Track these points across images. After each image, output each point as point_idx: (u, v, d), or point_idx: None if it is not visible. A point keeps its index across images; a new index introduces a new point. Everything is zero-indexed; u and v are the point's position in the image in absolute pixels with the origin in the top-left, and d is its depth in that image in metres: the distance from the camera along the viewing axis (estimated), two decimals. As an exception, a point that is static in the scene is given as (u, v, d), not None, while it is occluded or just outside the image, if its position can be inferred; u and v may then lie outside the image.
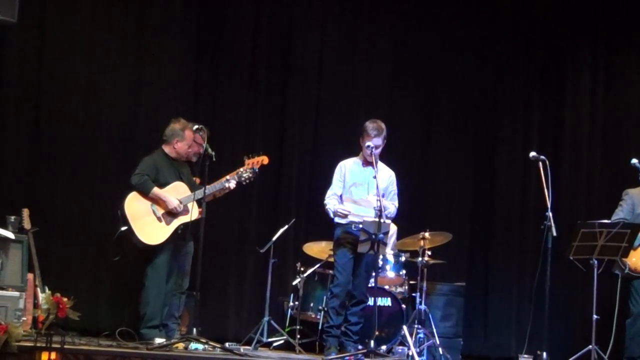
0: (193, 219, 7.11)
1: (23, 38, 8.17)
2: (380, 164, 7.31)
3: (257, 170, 7.56)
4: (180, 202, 7.23)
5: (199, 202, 7.09)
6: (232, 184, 7.45)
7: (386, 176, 7.37)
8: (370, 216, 7.02)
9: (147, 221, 7.18)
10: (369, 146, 7.16)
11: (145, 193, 7.20)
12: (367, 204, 7.13)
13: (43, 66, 8.33)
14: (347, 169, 7.38)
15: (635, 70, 9.56)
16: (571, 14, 9.65)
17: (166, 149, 7.47)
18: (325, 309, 7.68)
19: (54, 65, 8.36)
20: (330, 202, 7.31)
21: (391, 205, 7.29)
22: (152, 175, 7.25)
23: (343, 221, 7.22)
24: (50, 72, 8.35)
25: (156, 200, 7.23)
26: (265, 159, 7.60)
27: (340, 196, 7.34)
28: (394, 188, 7.43)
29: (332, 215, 7.29)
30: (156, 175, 7.28)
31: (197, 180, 7.54)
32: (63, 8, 8.42)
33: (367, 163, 7.31)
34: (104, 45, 8.54)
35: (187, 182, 7.39)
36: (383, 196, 7.16)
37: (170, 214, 7.25)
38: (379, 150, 7.22)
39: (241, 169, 7.49)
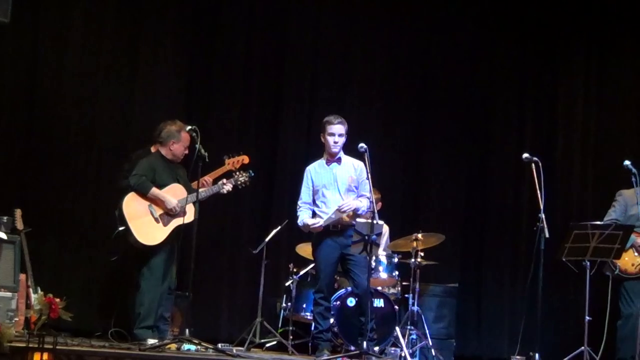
0: (190, 220, 7.11)
1: (16, 38, 8.15)
2: (347, 158, 7.14)
3: (253, 174, 7.59)
4: (178, 203, 7.24)
5: (194, 204, 7.09)
6: (229, 188, 7.47)
7: (353, 167, 7.11)
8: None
9: (144, 222, 7.18)
10: (332, 133, 6.99)
11: (143, 193, 7.20)
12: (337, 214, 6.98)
13: (36, 66, 8.32)
14: (313, 173, 7.18)
15: (627, 72, 9.59)
16: (564, 17, 9.67)
17: (162, 150, 7.46)
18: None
19: (47, 65, 8.36)
20: (301, 216, 7.12)
21: (364, 200, 7.04)
22: (149, 176, 7.25)
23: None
24: (43, 72, 8.35)
25: (155, 201, 7.23)
26: (245, 159, 7.65)
27: (314, 201, 7.16)
28: (364, 177, 7.07)
29: (304, 230, 7.13)
30: (153, 177, 7.27)
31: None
32: (56, 8, 8.42)
33: (330, 160, 7.14)
34: (97, 45, 8.54)
35: (184, 184, 7.39)
36: (356, 188, 7.08)
37: (168, 215, 7.24)
38: (342, 140, 7.03)
39: (237, 173, 7.54)
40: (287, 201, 9.01)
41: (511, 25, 9.73)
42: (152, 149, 7.52)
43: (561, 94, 9.71)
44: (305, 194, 7.19)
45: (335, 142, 7.03)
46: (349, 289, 7.63)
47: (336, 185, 7.11)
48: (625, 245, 7.11)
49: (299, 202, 7.21)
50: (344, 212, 6.96)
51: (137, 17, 8.72)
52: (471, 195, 9.57)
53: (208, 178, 7.54)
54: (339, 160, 7.14)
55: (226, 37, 9.08)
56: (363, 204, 7.04)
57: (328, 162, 7.16)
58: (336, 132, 7.03)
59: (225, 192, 7.49)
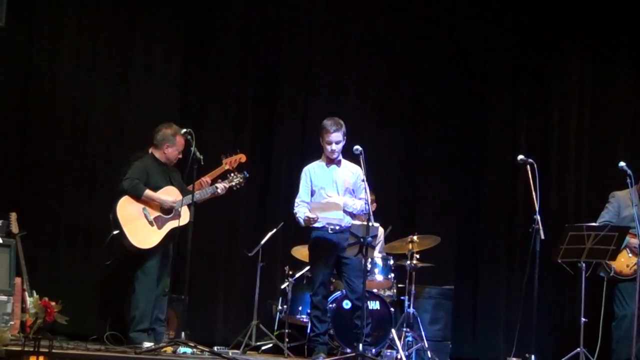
0: (185, 223, 7.10)
1: (11, 41, 8.14)
2: (345, 162, 7.20)
3: (247, 175, 7.59)
4: (174, 200, 7.23)
5: (189, 207, 7.07)
6: (223, 190, 7.46)
7: (351, 171, 7.18)
8: (337, 217, 7.00)
9: (139, 225, 7.18)
10: (329, 142, 7.05)
11: (137, 196, 7.20)
12: (334, 207, 7.04)
13: (31, 69, 8.32)
14: (312, 173, 7.23)
15: (621, 74, 9.60)
16: (559, 19, 9.67)
17: (156, 153, 7.47)
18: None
19: (41, 68, 8.36)
20: (300, 211, 7.14)
21: (359, 201, 7.10)
22: (142, 179, 7.24)
23: (319, 224, 7.07)
24: (38, 75, 8.35)
25: (149, 203, 7.23)
26: (242, 157, 7.65)
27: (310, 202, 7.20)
28: (360, 181, 7.16)
29: (302, 224, 7.11)
30: (147, 179, 7.27)
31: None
32: (51, 11, 8.42)
33: (330, 162, 7.21)
34: (92, 48, 8.55)
35: (178, 187, 7.38)
36: (353, 192, 7.12)
37: (163, 217, 7.24)
38: (340, 146, 7.09)
39: (231, 175, 7.53)
40: (283, 204, 9.01)
41: (506, 27, 9.73)
42: (150, 151, 7.52)
43: (556, 96, 9.71)
44: (303, 193, 7.23)
45: (332, 150, 7.09)
46: (345, 291, 7.62)
47: (335, 186, 7.16)
48: (620, 247, 7.11)
49: (297, 200, 7.22)
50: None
51: (131, 20, 8.72)
52: (466, 197, 9.57)
53: (207, 179, 7.53)
54: (338, 163, 7.20)
55: (220, 39, 9.09)
56: (355, 203, 7.09)
57: (328, 164, 7.22)
58: (333, 140, 7.08)
59: (220, 192, 7.48)
